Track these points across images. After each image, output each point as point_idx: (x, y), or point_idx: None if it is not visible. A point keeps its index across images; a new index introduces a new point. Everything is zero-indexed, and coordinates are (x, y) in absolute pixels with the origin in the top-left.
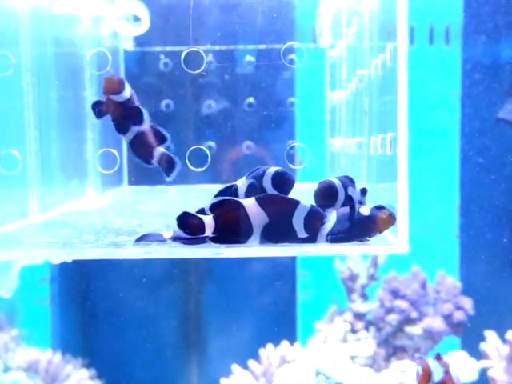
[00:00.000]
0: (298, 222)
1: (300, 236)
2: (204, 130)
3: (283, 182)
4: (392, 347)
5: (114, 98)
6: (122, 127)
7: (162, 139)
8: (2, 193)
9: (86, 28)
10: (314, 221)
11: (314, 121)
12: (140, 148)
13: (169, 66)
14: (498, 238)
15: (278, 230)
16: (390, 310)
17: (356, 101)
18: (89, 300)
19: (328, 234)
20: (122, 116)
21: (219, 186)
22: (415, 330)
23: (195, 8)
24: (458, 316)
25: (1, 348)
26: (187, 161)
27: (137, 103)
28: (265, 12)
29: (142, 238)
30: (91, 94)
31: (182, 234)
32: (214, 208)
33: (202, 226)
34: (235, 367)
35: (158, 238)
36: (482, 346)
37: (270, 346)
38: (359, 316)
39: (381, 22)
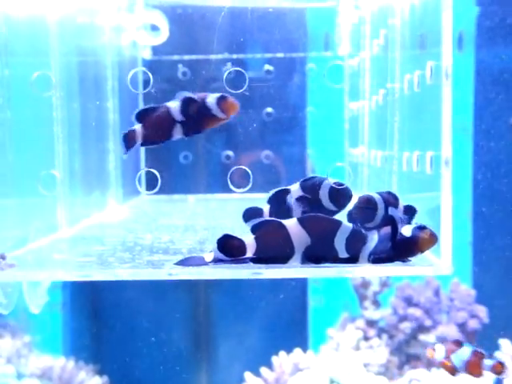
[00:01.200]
0: (339, 242)
1: (341, 256)
2: (222, 139)
3: (341, 196)
4: (405, 355)
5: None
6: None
7: None
8: (33, 207)
9: (108, 37)
10: (355, 241)
11: (332, 130)
12: None
13: (187, 75)
14: (511, 245)
15: (320, 251)
16: (403, 318)
17: (383, 113)
18: (100, 306)
19: (370, 255)
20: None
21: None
22: (429, 338)
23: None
24: (472, 324)
25: (13, 354)
26: (228, 181)
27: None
28: (280, 21)
29: (183, 262)
30: (113, 105)
31: (221, 255)
32: (255, 229)
33: (243, 247)
34: (248, 375)
35: (199, 262)
36: (497, 354)
37: (282, 353)
38: (371, 323)
39: (414, 37)
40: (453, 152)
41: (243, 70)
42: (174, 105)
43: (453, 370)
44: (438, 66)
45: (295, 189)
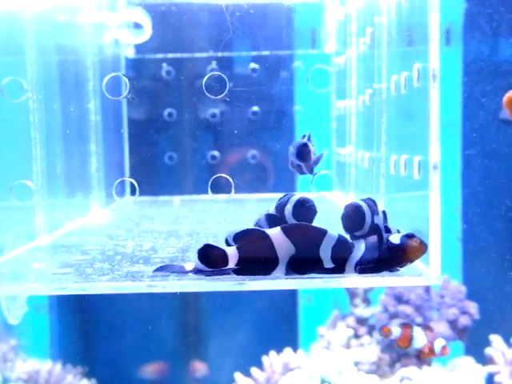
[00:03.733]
0: (325, 252)
1: (327, 266)
2: (207, 139)
3: (304, 210)
4: (396, 353)
5: None
6: None
7: None
8: (10, 215)
9: (88, 36)
10: (341, 251)
11: (320, 128)
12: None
13: (171, 74)
14: (501, 240)
15: (305, 261)
16: (394, 315)
17: (370, 114)
18: (87, 309)
19: (357, 264)
20: None
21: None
22: None
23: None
24: (463, 321)
25: None
26: (209, 189)
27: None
28: (266, 18)
29: (161, 269)
30: (95, 106)
31: (202, 266)
32: (237, 238)
33: (225, 258)
34: (238, 375)
35: (179, 270)
36: (488, 350)
37: (272, 353)
38: (362, 321)
39: (401, 36)
40: (441, 147)
41: (224, 76)
42: None
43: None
44: (425, 68)
45: (272, 209)
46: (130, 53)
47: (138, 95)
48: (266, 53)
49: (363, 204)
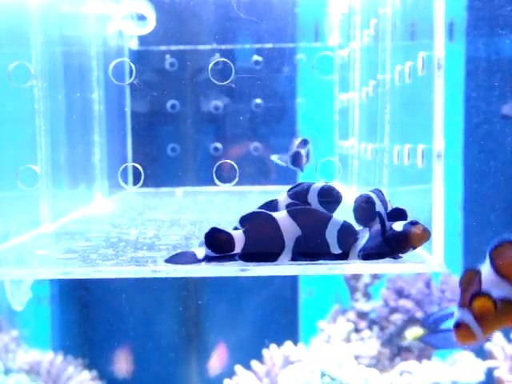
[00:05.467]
0: (331, 235)
1: (333, 251)
2: (210, 131)
3: (331, 197)
4: (396, 347)
5: None
6: None
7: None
8: (14, 202)
9: (93, 27)
10: (347, 235)
11: (322, 121)
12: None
13: (175, 66)
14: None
15: (311, 244)
16: (394, 310)
17: (373, 105)
18: (89, 300)
19: (360, 250)
20: None
21: (225, 188)
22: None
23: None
24: None
25: (1, 349)
26: (214, 175)
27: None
28: (270, 10)
29: (173, 258)
30: (98, 96)
31: (209, 251)
32: (244, 221)
33: (231, 241)
34: (238, 368)
35: (191, 259)
36: (488, 345)
37: (273, 346)
38: (362, 315)
39: (406, 27)
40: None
41: (229, 61)
42: None
43: None
44: (430, 57)
45: (283, 198)
46: (134, 44)
47: (141, 87)
48: (269, 45)
49: (373, 194)
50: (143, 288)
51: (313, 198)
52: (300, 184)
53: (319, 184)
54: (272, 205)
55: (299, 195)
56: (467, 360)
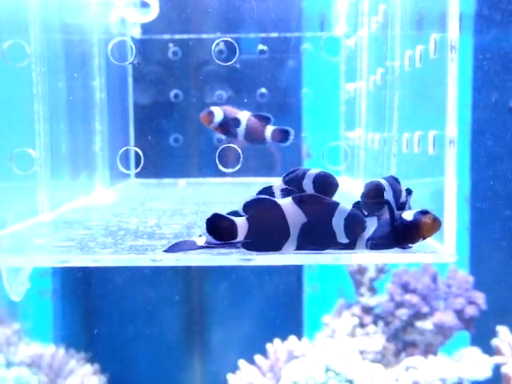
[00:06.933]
0: (338, 224)
1: (340, 240)
2: None
3: (327, 184)
4: (402, 342)
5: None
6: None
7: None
8: (11, 190)
9: (94, 14)
10: (355, 224)
11: (327, 112)
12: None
13: (178, 55)
14: (510, 230)
15: (317, 232)
16: (400, 304)
17: (381, 93)
18: (91, 293)
19: (368, 240)
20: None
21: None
22: (426, 324)
23: None
24: (470, 311)
25: (2, 343)
26: (217, 160)
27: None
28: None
29: (174, 247)
30: (100, 84)
31: (211, 238)
32: (247, 208)
33: (234, 229)
34: (242, 362)
35: (191, 247)
36: (494, 341)
37: (277, 340)
38: (367, 310)
39: (417, 10)
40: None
41: (233, 41)
42: None
43: None
44: (443, 39)
45: (277, 184)
46: (137, 33)
47: (143, 76)
48: (274, 35)
49: (384, 182)
50: (147, 281)
51: (308, 185)
52: (295, 170)
53: (315, 170)
54: (268, 191)
55: (294, 181)
56: (474, 356)
